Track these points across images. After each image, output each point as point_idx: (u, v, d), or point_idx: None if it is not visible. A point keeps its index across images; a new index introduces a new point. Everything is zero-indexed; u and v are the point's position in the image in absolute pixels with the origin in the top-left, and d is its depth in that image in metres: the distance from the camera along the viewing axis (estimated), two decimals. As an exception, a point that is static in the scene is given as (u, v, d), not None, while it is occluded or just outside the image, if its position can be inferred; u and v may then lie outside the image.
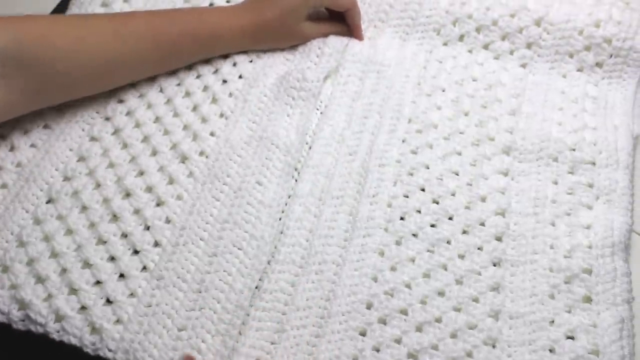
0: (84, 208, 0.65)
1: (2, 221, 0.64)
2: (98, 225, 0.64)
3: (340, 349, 0.59)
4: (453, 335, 0.59)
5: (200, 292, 0.61)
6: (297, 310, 0.61)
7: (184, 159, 0.70)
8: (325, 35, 0.80)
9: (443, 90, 0.76)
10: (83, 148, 0.69)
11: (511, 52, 0.80)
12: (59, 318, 0.58)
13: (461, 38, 0.81)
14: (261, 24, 0.76)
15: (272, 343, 0.59)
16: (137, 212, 0.65)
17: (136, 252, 0.63)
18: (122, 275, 0.61)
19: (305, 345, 0.59)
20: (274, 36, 0.78)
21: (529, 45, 0.80)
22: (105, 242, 0.63)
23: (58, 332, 0.58)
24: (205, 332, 0.59)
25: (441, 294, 0.62)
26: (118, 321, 0.59)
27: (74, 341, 0.57)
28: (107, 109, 0.72)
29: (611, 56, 0.78)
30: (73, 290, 0.60)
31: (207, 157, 0.70)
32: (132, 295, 0.60)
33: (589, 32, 0.79)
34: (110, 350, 0.57)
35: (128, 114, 0.72)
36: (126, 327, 0.58)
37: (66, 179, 0.67)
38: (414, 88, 0.76)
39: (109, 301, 0.60)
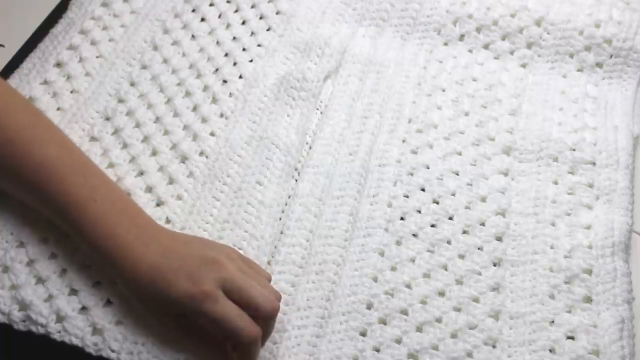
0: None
1: (2, 221, 0.64)
2: None
3: (341, 349, 0.59)
4: (453, 336, 0.59)
5: None
6: (297, 311, 0.61)
7: (184, 159, 0.70)
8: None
9: (443, 90, 0.76)
10: (83, 148, 0.69)
11: (511, 52, 0.80)
12: (60, 319, 0.58)
13: (461, 38, 0.81)
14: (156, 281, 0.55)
15: (274, 343, 0.59)
16: None
17: None
18: None
19: (306, 345, 0.59)
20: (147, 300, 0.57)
21: (529, 45, 0.80)
22: None
23: (59, 332, 0.57)
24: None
25: (441, 294, 0.62)
26: (119, 322, 0.58)
27: (75, 342, 0.57)
28: (107, 109, 0.72)
29: (611, 56, 0.78)
30: (73, 291, 0.60)
31: (207, 157, 0.70)
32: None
33: (589, 32, 0.79)
34: (113, 351, 0.57)
35: (128, 114, 0.72)
36: (128, 328, 0.58)
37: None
38: (414, 88, 0.76)
39: (109, 302, 0.60)
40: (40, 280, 0.60)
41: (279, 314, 0.59)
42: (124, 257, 0.56)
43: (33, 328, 0.58)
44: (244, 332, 0.53)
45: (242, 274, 0.56)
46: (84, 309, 0.59)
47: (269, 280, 0.59)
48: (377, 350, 0.59)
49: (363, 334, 0.60)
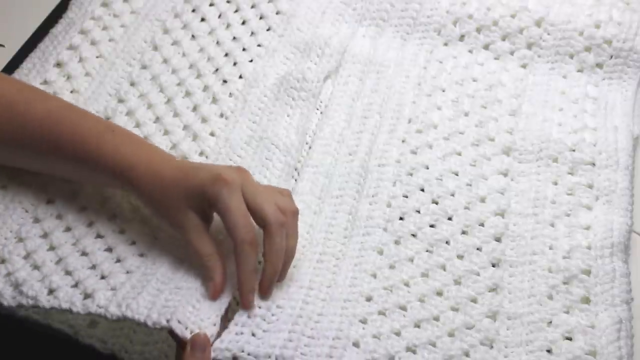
0: (83, 208, 0.65)
1: (1, 220, 0.64)
2: (96, 223, 0.64)
3: (342, 330, 0.58)
4: (450, 335, 0.59)
5: (194, 268, 0.59)
6: (301, 288, 0.59)
7: (184, 159, 0.70)
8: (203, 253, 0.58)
9: (443, 91, 0.76)
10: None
11: (511, 53, 0.80)
12: (51, 291, 0.57)
13: (462, 38, 0.81)
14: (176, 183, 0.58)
15: (279, 307, 0.57)
16: (135, 210, 0.65)
17: (134, 242, 0.62)
18: (118, 260, 0.60)
19: (308, 319, 0.57)
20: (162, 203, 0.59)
21: (529, 46, 0.80)
22: (102, 236, 0.62)
23: (49, 301, 0.56)
24: (200, 295, 0.56)
25: (439, 293, 0.62)
26: (112, 288, 0.57)
27: (64, 305, 0.55)
28: (107, 109, 0.72)
29: (611, 57, 0.78)
30: (68, 272, 0.59)
31: (207, 157, 0.70)
32: (128, 272, 0.59)
33: (589, 33, 0.79)
34: (100, 307, 0.55)
35: (128, 114, 0.72)
36: (119, 290, 0.56)
37: (64, 180, 0.67)
38: (414, 88, 0.76)
39: (103, 277, 0.58)
40: (36, 268, 0.59)
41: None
42: (147, 171, 0.59)
43: (23, 301, 0.56)
44: (240, 230, 0.55)
45: (259, 185, 0.59)
46: (77, 284, 0.58)
47: (288, 195, 0.61)
48: (378, 339, 0.58)
49: (363, 322, 0.59)
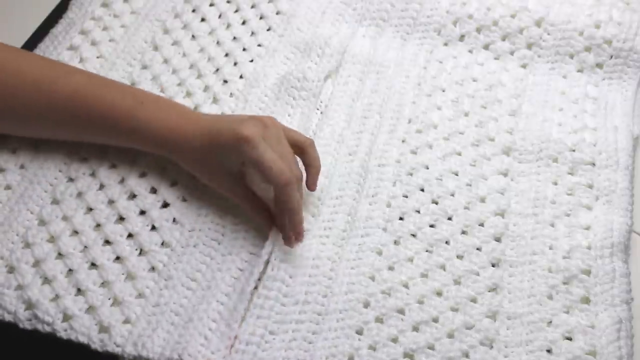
0: (89, 209, 0.65)
1: (7, 222, 0.64)
2: (104, 226, 0.64)
3: (337, 347, 0.59)
4: (450, 335, 0.59)
5: (210, 288, 0.61)
6: (295, 304, 0.60)
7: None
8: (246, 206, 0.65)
9: (443, 91, 0.76)
10: (86, 148, 0.69)
11: (511, 53, 0.80)
12: (67, 318, 0.59)
13: (462, 38, 0.81)
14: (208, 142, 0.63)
15: (271, 333, 0.59)
16: (142, 213, 0.65)
17: (142, 252, 0.63)
18: (129, 276, 0.62)
19: (302, 341, 0.59)
20: (201, 161, 0.65)
21: (529, 46, 0.80)
22: (111, 243, 0.63)
23: (65, 330, 0.58)
24: (212, 322, 0.58)
25: (439, 294, 0.62)
26: (126, 321, 0.59)
27: (82, 339, 0.57)
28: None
29: (611, 57, 0.78)
30: (80, 291, 0.60)
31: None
32: (140, 295, 0.60)
33: (590, 33, 0.79)
34: (118, 346, 0.57)
35: (128, 113, 0.72)
36: (134, 325, 0.58)
37: (70, 180, 0.67)
38: (414, 88, 0.77)
39: (116, 301, 0.60)
40: (46, 281, 0.60)
41: (278, 305, 0.60)
42: (180, 137, 0.63)
43: (39, 326, 0.58)
44: (277, 177, 0.59)
45: (277, 143, 0.62)
46: (90, 308, 0.59)
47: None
48: (373, 349, 0.59)
49: (359, 332, 0.60)
